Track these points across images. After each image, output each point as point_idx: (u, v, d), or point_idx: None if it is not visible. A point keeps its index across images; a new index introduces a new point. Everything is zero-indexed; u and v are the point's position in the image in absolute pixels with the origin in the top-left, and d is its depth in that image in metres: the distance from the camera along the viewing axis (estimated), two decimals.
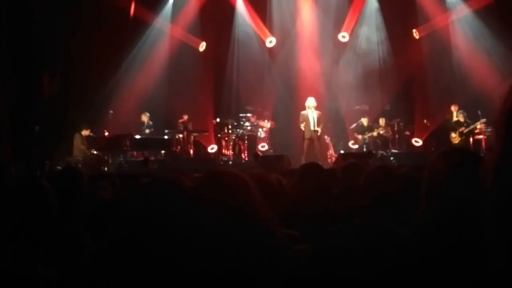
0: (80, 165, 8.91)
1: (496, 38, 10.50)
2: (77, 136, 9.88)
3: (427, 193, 1.51)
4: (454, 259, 1.33)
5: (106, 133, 10.38)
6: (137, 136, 10.36)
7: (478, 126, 9.90)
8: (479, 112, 9.79)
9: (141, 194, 1.55)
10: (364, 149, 10.25)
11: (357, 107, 11.17)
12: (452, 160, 1.53)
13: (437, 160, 1.55)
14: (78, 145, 9.84)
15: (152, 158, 10.27)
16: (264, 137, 11.12)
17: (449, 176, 1.47)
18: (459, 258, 1.32)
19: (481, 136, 9.95)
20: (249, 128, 10.99)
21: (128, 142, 9.74)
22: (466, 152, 1.67)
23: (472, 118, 10.06)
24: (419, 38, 11.86)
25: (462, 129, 10.07)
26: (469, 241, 1.25)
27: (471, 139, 9.99)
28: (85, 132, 9.90)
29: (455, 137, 10.14)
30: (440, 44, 11.63)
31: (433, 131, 11.07)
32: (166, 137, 10.74)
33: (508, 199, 0.35)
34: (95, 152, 9.76)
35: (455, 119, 10.27)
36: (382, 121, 10.69)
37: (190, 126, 11.25)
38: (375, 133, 10.51)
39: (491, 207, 0.38)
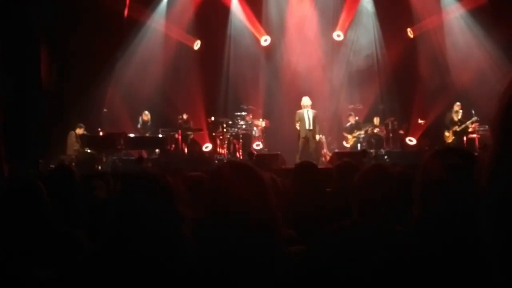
0: (74, 164, 8.87)
1: (490, 37, 10.57)
2: (71, 134, 9.83)
3: (421, 193, 1.52)
4: (450, 259, 1.33)
5: (101, 132, 10.35)
6: (131, 135, 10.36)
7: (471, 125, 9.94)
8: (473, 111, 9.85)
9: (122, 191, 1.55)
10: (359, 148, 10.29)
11: (351, 106, 11.22)
12: (447, 159, 1.52)
13: (431, 159, 1.55)
14: (72, 144, 9.80)
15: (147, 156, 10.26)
16: (259, 136, 11.13)
17: (444, 176, 1.47)
18: (455, 258, 1.32)
19: (474, 135, 10.00)
20: (244, 126, 11.00)
21: (122, 141, 9.72)
22: (461, 151, 1.67)
23: (466, 117, 10.10)
24: (413, 37, 11.92)
25: (455, 128, 10.11)
26: (465, 241, 1.25)
27: (464, 138, 10.02)
28: (79, 131, 9.86)
29: (448, 136, 10.17)
30: (434, 43, 11.69)
31: (427, 130, 11.13)
32: (160, 135, 10.73)
33: (504, 198, 0.35)
34: (89, 151, 9.73)
35: (452, 117, 10.24)
36: (376, 120, 10.74)
37: (190, 125, 11.26)
38: (364, 132, 10.52)
39: (487, 206, 0.38)
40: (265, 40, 12.26)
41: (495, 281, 0.37)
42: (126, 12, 11.32)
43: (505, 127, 0.36)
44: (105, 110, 10.86)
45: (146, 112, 10.96)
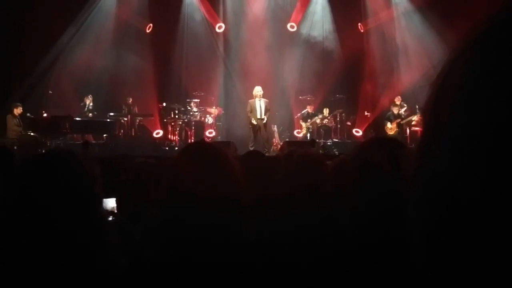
0: (15, 147, 8.42)
1: (437, 34, 10.92)
2: (9, 117, 9.30)
3: (358, 180, 1.56)
4: (385, 250, 1.35)
5: (45, 114, 9.88)
6: (78, 118, 9.96)
7: (415, 119, 10.32)
8: (417, 106, 10.25)
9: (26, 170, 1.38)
10: (308, 138, 10.49)
11: (301, 97, 11.40)
12: (384, 147, 1.57)
13: (369, 146, 1.61)
14: (11, 126, 9.27)
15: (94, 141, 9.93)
16: (212, 124, 11.05)
17: (381, 164, 1.50)
18: (391, 246, 1.35)
19: (417, 128, 10.39)
20: (196, 114, 10.87)
21: (67, 124, 9.32)
22: (396, 140, 1.74)
23: (411, 111, 10.48)
24: (363, 32, 12.22)
25: (399, 120, 10.49)
26: (398, 232, 1.28)
27: (407, 130, 10.42)
28: (17, 111, 9.33)
29: (391, 128, 10.53)
30: (383, 38, 12.04)
31: (373, 122, 11.54)
32: (108, 120, 10.39)
33: (430, 185, 0.35)
34: (32, 134, 9.25)
35: (392, 110, 10.65)
36: (325, 111, 10.99)
37: (135, 110, 10.96)
38: (317, 120, 10.76)
39: (412, 194, 0.37)
40: (219, 27, 12.12)
41: (419, 272, 0.37)
42: None
43: (435, 114, 0.36)
44: (50, 91, 10.36)
45: (89, 97, 10.57)
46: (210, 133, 10.94)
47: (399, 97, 10.70)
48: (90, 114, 10.50)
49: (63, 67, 10.85)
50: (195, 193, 1.33)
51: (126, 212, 2.36)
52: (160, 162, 2.71)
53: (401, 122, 10.45)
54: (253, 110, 9.72)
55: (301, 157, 2.12)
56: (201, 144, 1.55)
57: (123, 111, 10.78)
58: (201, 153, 1.44)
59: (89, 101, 10.57)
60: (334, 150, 9.57)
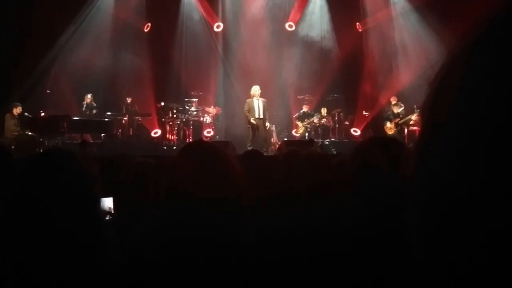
0: (13, 147, 8.40)
1: (435, 33, 10.92)
2: (7, 116, 9.28)
3: (357, 179, 1.56)
4: (386, 246, 1.35)
5: (42, 113, 9.86)
6: (75, 118, 9.95)
7: (413, 118, 10.33)
8: (415, 106, 10.27)
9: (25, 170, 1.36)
10: (306, 137, 10.50)
11: (300, 96, 11.41)
12: (383, 147, 1.57)
13: (367, 146, 1.61)
14: (9, 126, 9.26)
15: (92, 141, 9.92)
16: (210, 123, 11.05)
17: (380, 163, 1.51)
18: (391, 246, 1.35)
19: (415, 128, 10.41)
20: (194, 113, 10.86)
21: (65, 124, 9.31)
22: (396, 140, 1.75)
23: (409, 111, 10.51)
24: (362, 31, 12.23)
25: (397, 120, 10.51)
26: (398, 232, 1.27)
27: (406, 130, 10.43)
28: (17, 110, 9.32)
29: (390, 128, 10.55)
30: (381, 38, 12.05)
31: (371, 122, 11.56)
32: (106, 119, 10.38)
33: (428, 185, 0.35)
34: (29, 133, 9.24)
35: (392, 110, 10.68)
36: (323, 111, 10.99)
37: (134, 109, 10.96)
38: (315, 120, 10.77)
39: (410, 193, 0.37)
40: (217, 27, 12.12)
41: (419, 271, 0.37)
42: None
43: (433, 113, 0.36)
44: (48, 91, 10.34)
45: (89, 96, 10.56)
46: (208, 133, 10.95)
47: (395, 97, 10.72)
48: (94, 111, 10.49)
49: (61, 66, 10.85)
50: (194, 192, 1.34)
51: (125, 212, 2.36)
52: (159, 162, 2.71)
53: (399, 122, 10.46)
54: (251, 110, 9.71)
55: (307, 157, 2.12)
56: (201, 143, 1.55)
57: (123, 110, 10.79)
58: (201, 153, 1.45)
59: (89, 100, 10.57)
60: (332, 149, 9.57)
